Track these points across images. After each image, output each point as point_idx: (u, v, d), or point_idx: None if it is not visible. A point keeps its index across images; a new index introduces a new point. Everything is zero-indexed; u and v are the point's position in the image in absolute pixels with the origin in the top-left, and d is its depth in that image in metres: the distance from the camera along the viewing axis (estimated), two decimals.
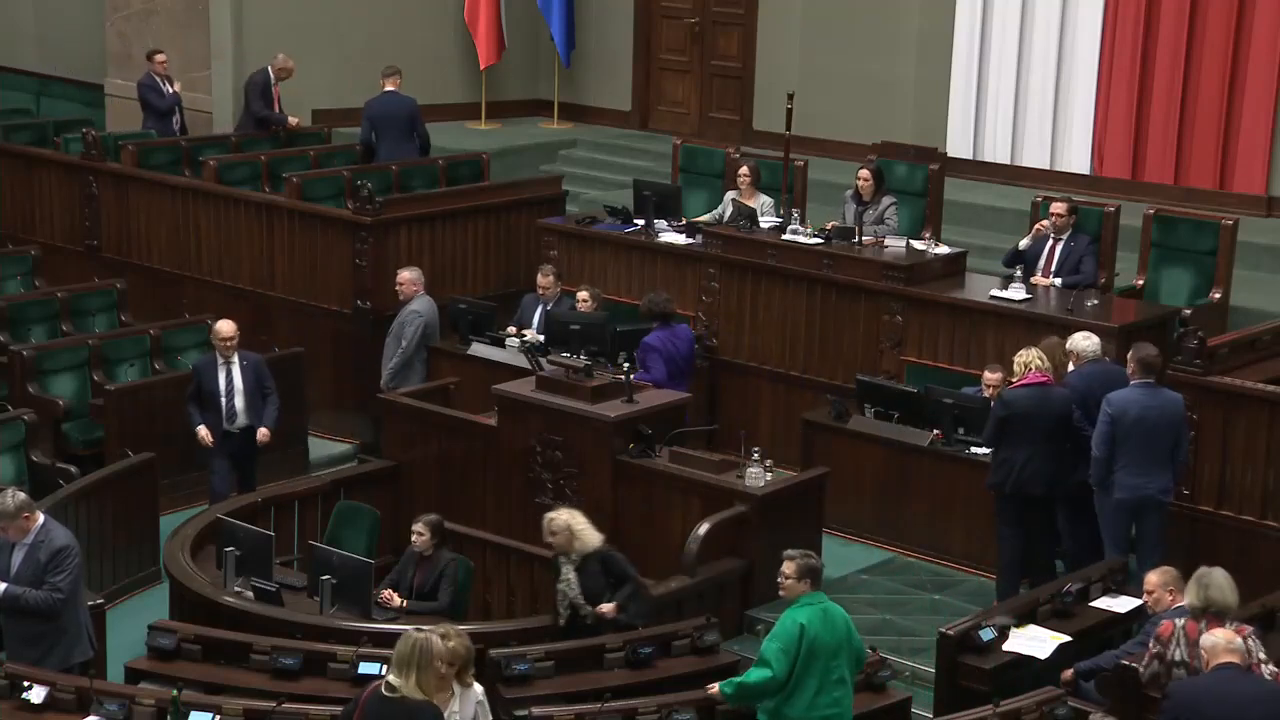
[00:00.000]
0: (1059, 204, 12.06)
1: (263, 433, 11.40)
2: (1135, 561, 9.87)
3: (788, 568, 8.01)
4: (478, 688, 7.37)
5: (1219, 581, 7.90)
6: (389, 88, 15.26)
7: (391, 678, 6.92)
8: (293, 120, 15.76)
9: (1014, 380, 10.20)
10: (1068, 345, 10.33)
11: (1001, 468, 10.11)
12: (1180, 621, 7.94)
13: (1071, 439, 10.01)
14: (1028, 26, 14.90)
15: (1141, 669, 8.02)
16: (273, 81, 15.69)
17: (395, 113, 15.20)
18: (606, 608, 9.09)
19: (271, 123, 15.69)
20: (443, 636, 7.10)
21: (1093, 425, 9.86)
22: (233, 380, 11.30)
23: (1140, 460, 9.66)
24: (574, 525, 9.18)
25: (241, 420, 11.33)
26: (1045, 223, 12.08)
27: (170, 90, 15.95)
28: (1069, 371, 10.27)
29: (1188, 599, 8.01)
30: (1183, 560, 9.09)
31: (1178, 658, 7.86)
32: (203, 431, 11.27)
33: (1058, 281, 11.82)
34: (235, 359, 11.36)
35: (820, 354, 12.21)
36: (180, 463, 11.67)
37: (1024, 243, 12.15)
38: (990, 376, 10.90)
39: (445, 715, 7.05)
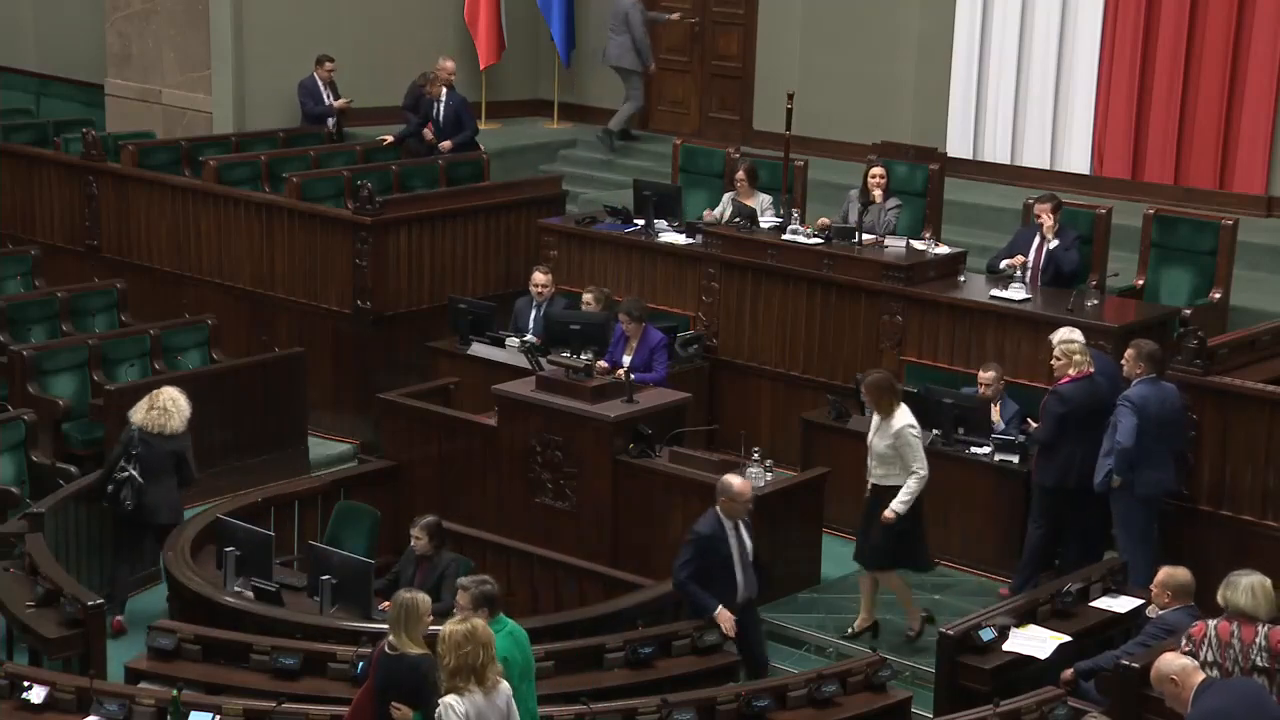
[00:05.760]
0: (1044, 206, 11.85)
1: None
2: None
3: (461, 599, 7.50)
4: (505, 686, 7.21)
5: (1244, 584, 7.82)
6: None
7: (391, 638, 7.43)
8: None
9: (1065, 374, 10.09)
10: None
11: (1063, 465, 10.03)
12: (1213, 623, 7.87)
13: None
14: (1028, 27, 14.89)
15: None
16: (428, 87, 15.50)
17: None
18: None
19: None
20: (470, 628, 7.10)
21: None
22: (744, 544, 9.17)
23: (1159, 455, 9.73)
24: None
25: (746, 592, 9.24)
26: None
27: (329, 98, 15.86)
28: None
29: (1219, 597, 7.94)
30: (1182, 560, 9.09)
31: (1209, 658, 7.78)
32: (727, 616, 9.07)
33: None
34: (742, 526, 9.12)
35: (820, 354, 12.21)
36: None
37: (1004, 263, 12.01)
38: (984, 376, 10.89)
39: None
